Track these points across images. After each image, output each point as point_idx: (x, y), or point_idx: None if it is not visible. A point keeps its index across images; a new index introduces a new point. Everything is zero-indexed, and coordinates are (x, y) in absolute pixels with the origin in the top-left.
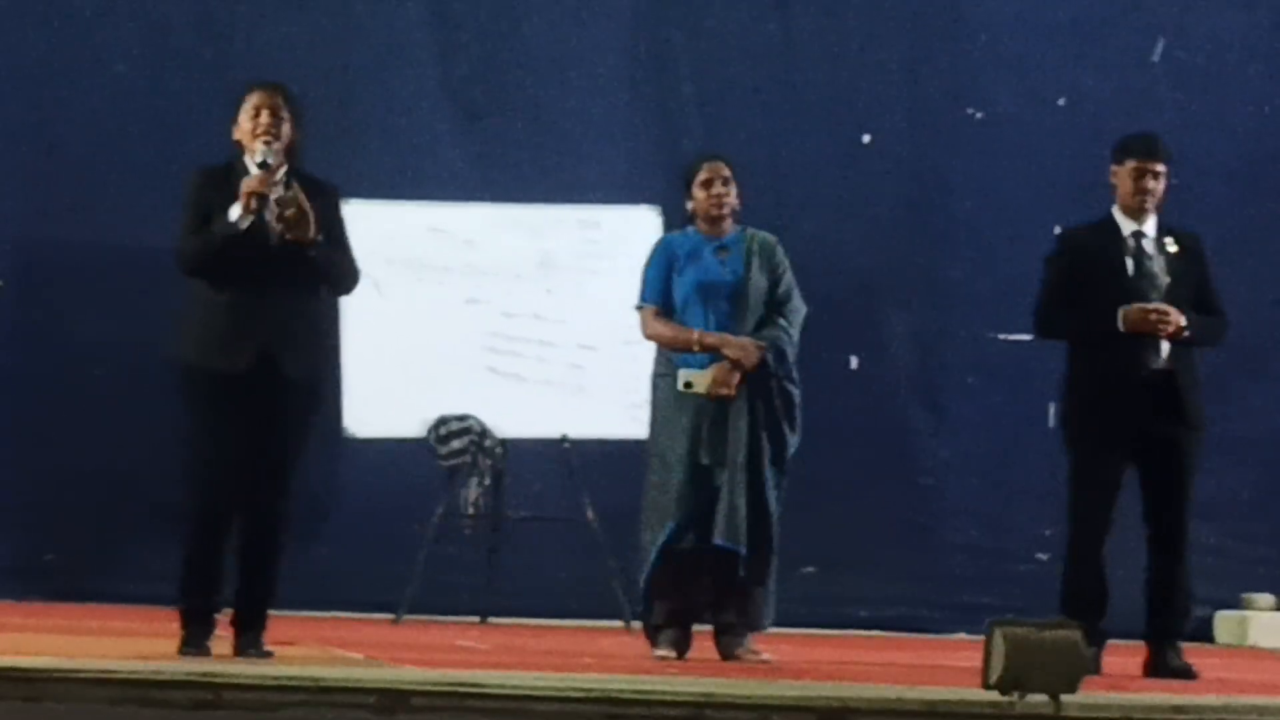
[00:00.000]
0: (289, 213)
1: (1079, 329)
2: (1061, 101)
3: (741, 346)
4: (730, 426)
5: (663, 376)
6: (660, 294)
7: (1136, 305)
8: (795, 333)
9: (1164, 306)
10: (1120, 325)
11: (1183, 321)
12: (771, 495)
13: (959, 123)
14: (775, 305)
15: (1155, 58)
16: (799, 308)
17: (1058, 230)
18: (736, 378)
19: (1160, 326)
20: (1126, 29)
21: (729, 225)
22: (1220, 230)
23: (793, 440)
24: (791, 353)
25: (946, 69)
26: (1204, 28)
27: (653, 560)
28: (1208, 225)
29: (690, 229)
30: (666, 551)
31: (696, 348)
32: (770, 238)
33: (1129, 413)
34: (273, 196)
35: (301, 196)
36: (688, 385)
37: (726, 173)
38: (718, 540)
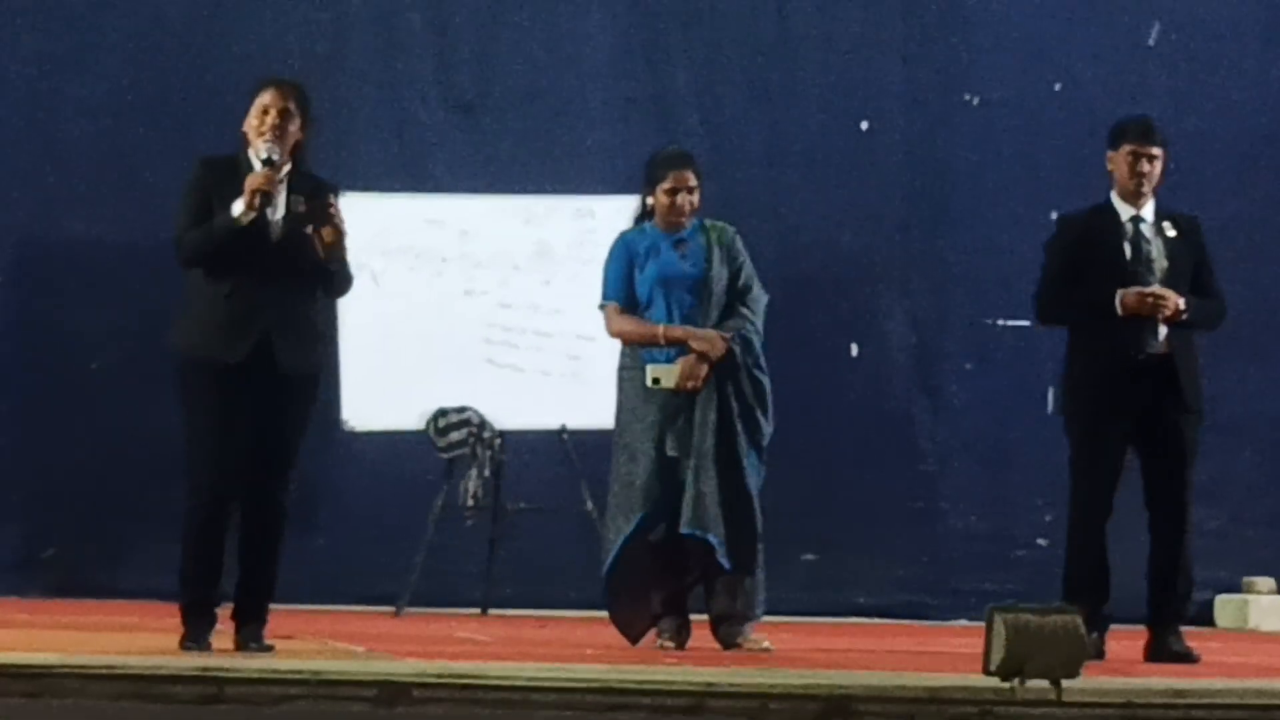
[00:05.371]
0: (328, 236)
1: (1078, 314)
2: (1058, 86)
3: (707, 338)
4: (697, 417)
5: (628, 370)
6: (623, 291)
7: (1134, 289)
8: (759, 322)
9: (1161, 290)
10: (1118, 309)
11: (1181, 304)
12: (751, 481)
13: (956, 108)
14: (737, 296)
15: (1151, 41)
16: (760, 297)
17: (1054, 215)
18: (704, 370)
19: (1158, 309)
20: (1122, 13)
21: (686, 222)
22: (1215, 213)
23: (767, 427)
24: (757, 341)
25: (943, 55)
26: (1199, 11)
27: (615, 554)
28: (1203, 208)
29: (647, 225)
30: (648, 544)
31: (662, 342)
32: (728, 228)
33: (1127, 397)
34: (296, 209)
35: (339, 216)
36: (655, 381)
37: (693, 182)
38: (684, 529)
